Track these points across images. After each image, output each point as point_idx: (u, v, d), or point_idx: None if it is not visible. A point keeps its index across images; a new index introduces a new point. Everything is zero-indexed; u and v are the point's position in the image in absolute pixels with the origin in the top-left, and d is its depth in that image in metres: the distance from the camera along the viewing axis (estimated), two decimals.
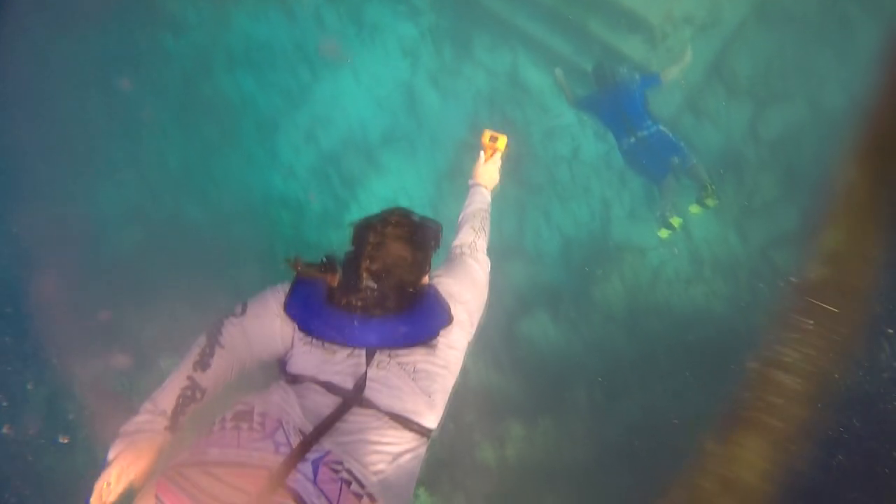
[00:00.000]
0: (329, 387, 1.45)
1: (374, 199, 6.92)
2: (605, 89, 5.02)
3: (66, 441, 4.37)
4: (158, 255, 6.11)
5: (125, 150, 7.51)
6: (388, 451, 1.43)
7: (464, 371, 1.62)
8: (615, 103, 4.93)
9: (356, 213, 6.84)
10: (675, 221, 4.92)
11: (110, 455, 1.37)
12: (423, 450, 1.53)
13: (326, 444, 1.35)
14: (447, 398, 1.58)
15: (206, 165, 7.59)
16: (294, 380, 1.48)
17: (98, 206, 7.05)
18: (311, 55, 7.78)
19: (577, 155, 6.66)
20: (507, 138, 2.20)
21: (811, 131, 6.18)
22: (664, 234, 5.04)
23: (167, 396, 1.44)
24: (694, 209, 4.89)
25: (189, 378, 1.45)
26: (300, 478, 1.26)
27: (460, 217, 2.02)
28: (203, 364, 1.46)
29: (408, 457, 1.47)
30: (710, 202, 4.76)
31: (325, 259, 1.60)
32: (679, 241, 5.91)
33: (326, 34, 7.77)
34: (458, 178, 6.85)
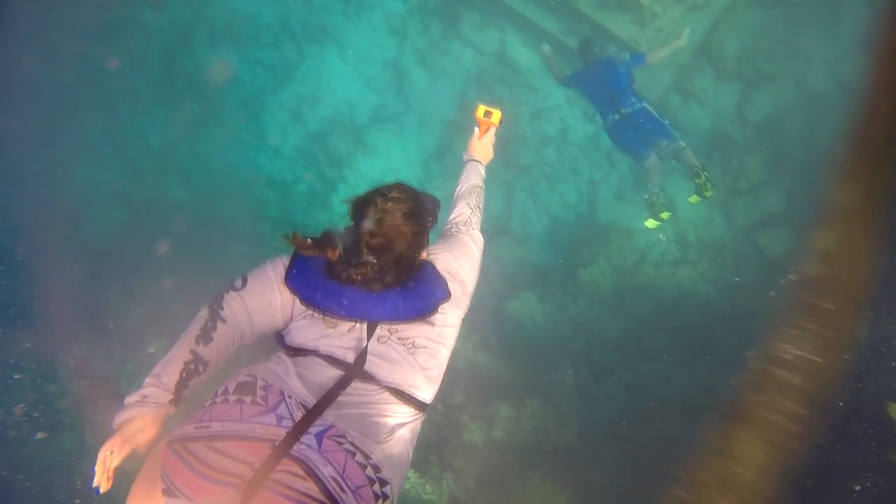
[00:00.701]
0: (331, 360, 1.46)
1: (361, 179, 6.85)
2: (591, 66, 5.05)
3: (43, 436, 4.35)
4: (142, 237, 6.02)
5: (104, 127, 7.34)
6: (389, 424, 1.45)
7: (452, 352, 1.64)
8: (601, 80, 4.96)
9: (344, 194, 6.77)
10: (664, 214, 4.92)
11: (115, 423, 1.40)
12: (419, 422, 1.56)
13: (329, 417, 1.37)
14: (443, 373, 1.60)
15: (189, 144, 7.45)
16: (295, 352, 1.49)
17: (77, 186, 6.90)
18: (296, 32, 7.61)
19: (566, 136, 6.63)
20: (501, 113, 2.22)
21: (797, 113, 6.21)
22: (651, 224, 5.03)
23: (170, 370, 1.45)
24: (693, 199, 4.88)
25: (192, 352, 1.46)
26: (304, 448, 1.28)
27: (456, 193, 2.04)
28: (205, 338, 1.47)
29: (406, 429, 1.50)
30: (709, 192, 4.75)
31: (323, 233, 1.58)
32: (665, 224, 5.94)
33: (312, 9, 7.60)
34: (446, 157, 6.80)
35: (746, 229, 6.01)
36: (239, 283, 1.53)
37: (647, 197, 5.00)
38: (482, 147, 2.18)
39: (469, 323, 1.70)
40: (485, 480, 4.30)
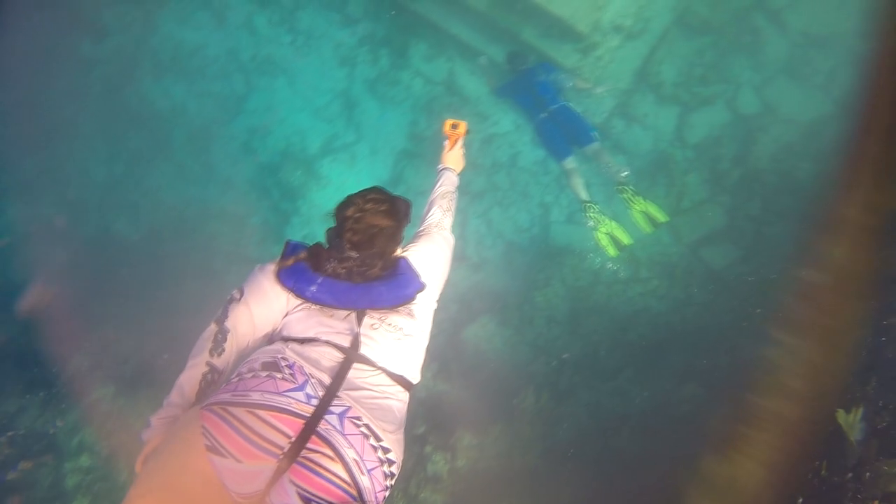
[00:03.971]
0: (331, 345, 1.62)
1: (315, 210, 6.80)
2: (520, 75, 5.62)
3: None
4: (84, 277, 5.79)
5: (39, 163, 7.06)
6: (390, 405, 1.61)
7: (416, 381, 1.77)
8: (528, 85, 5.48)
9: (298, 226, 6.72)
10: (625, 240, 5.18)
11: (145, 437, 1.58)
12: (407, 401, 1.72)
13: (345, 399, 1.52)
14: (424, 354, 1.80)
15: (136, 178, 7.26)
16: (300, 341, 1.63)
17: (5, 225, 6.59)
18: (244, 63, 7.56)
19: (516, 161, 6.80)
20: (466, 123, 2.47)
21: (731, 134, 6.55)
22: (612, 251, 5.27)
23: (191, 385, 1.62)
24: (646, 228, 5.17)
25: (208, 364, 1.63)
26: (330, 429, 1.43)
27: (430, 198, 2.26)
28: (218, 349, 1.64)
29: (400, 406, 1.66)
30: (659, 215, 5.09)
31: (314, 245, 1.80)
32: (627, 251, 6.13)
33: (259, 41, 7.58)
34: (399, 186, 6.85)
35: (692, 245, 6.27)
36: (237, 294, 1.69)
37: (582, 205, 5.25)
38: (453, 157, 2.42)
39: (429, 351, 1.87)
40: None
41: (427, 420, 4.76)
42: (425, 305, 1.84)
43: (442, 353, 5.38)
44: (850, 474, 2.97)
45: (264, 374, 1.49)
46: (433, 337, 1.87)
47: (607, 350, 5.57)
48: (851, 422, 3.79)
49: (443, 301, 1.99)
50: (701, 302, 5.91)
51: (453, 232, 2.17)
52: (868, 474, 2.73)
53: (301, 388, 1.47)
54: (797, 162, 6.18)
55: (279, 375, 1.49)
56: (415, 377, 1.74)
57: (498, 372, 5.44)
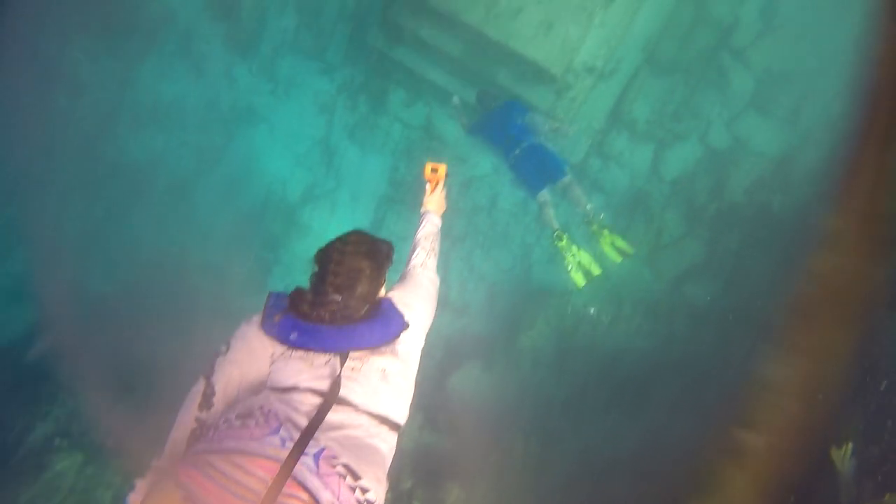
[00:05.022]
0: (312, 390, 1.60)
1: (297, 260, 6.78)
2: (490, 113, 5.69)
3: None
4: (54, 336, 5.64)
5: (7, 219, 6.94)
6: (370, 444, 1.59)
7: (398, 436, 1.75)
8: (499, 123, 5.55)
9: (279, 276, 6.67)
10: (594, 269, 5.21)
11: (130, 501, 1.55)
12: (394, 442, 1.71)
13: (322, 440, 1.49)
14: (411, 394, 1.79)
15: (111, 231, 7.18)
16: (281, 390, 1.61)
17: None
18: (224, 113, 7.61)
19: (496, 203, 6.86)
20: (446, 166, 2.51)
21: (705, 168, 6.69)
22: (580, 281, 5.29)
23: (180, 442, 1.61)
24: (615, 258, 5.22)
25: (197, 420, 1.62)
26: (305, 470, 1.40)
27: (414, 240, 2.31)
28: (207, 404, 1.63)
29: (384, 446, 1.65)
30: (625, 247, 5.15)
31: (294, 290, 1.80)
32: (598, 282, 6.15)
33: (239, 91, 7.65)
34: (380, 232, 6.85)
35: (673, 281, 6.31)
36: (224, 348, 1.69)
37: (553, 234, 5.34)
38: (434, 200, 2.47)
39: (414, 402, 1.84)
40: None
41: (414, 473, 4.65)
42: (410, 345, 1.84)
43: (428, 403, 5.31)
44: None
45: (238, 422, 1.49)
46: (418, 385, 1.86)
47: (594, 391, 5.53)
48: (842, 457, 3.77)
49: (427, 347, 1.97)
50: (685, 337, 5.93)
51: (438, 273, 2.20)
52: None
53: (275, 432, 1.46)
54: (770, 194, 6.31)
55: (253, 423, 1.48)
56: (400, 417, 1.72)
57: (485, 419, 5.36)
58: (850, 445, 3.69)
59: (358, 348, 1.70)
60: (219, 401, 1.63)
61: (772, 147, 6.46)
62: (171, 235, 7.12)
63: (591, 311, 6.03)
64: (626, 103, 6.85)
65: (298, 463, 1.40)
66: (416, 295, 1.99)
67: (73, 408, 4.83)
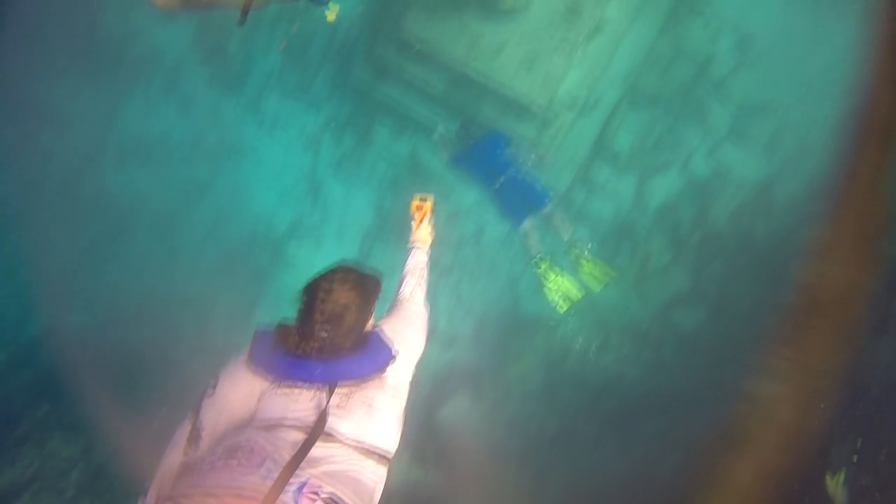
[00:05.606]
0: (297, 425, 1.60)
1: (283, 295, 6.70)
2: (473, 144, 5.72)
3: None
4: (27, 378, 5.47)
5: None
6: (356, 475, 1.58)
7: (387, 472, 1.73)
8: (481, 154, 5.59)
9: (265, 312, 6.59)
10: (575, 294, 5.22)
11: None
12: (384, 472, 1.70)
13: (306, 473, 1.48)
14: (401, 424, 1.80)
15: (92, 268, 7.08)
16: (266, 427, 1.60)
17: None
18: (210, 149, 7.63)
19: (482, 235, 6.88)
20: (433, 198, 2.60)
21: (688, 197, 6.78)
22: (561, 305, 5.29)
23: (165, 484, 1.57)
24: (595, 287, 5.22)
25: (183, 459, 1.59)
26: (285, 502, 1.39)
27: (402, 272, 2.36)
28: (194, 444, 1.61)
29: (372, 478, 1.63)
30: (603, 275, 5.17)
31: (278, 325, 1.83)
32: (585, 311, 6.14)
33: (224, 127, 7.69)
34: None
35: (660, 309, 6.32)
36: (211, 387, 1.69)
37: (533, 260, 5.33)
38: (421, 233, 2.53)
39: (402, 437, 1.81)
40: None
41: None
42: (399, 376, 1.84)
43: (416, 438, 5.20)
44: None
45: (221, 461, 1.47)
46: (406, 420, 1.85)
47: (585, 422, 5.46)
48: (836, 484, 3.73)
49: (414, 380, 1.96)
50: (673, 366, 5.90)
51: (427, 304, 2.22)
52: None
53: (258, 467, 1.45)
54: (752, 221, 6.39)
55: (235, 461, 1.47)
56: (388, 449, 1.72)
57: (475, 453, 5.25)
58: (844, 473, 3.66)
59: (345, 381, 1.70)
60: (206, 440, 1.61)
61: (752, 175, 6.58)
62: (154, 271, 7.04)
63: (579, 342, 6.00)
64: (609, 135, 6.97)
65: (279, 498, 1.39)
66: (405, 326, 2.01)
67: (48, 450, 4.64)
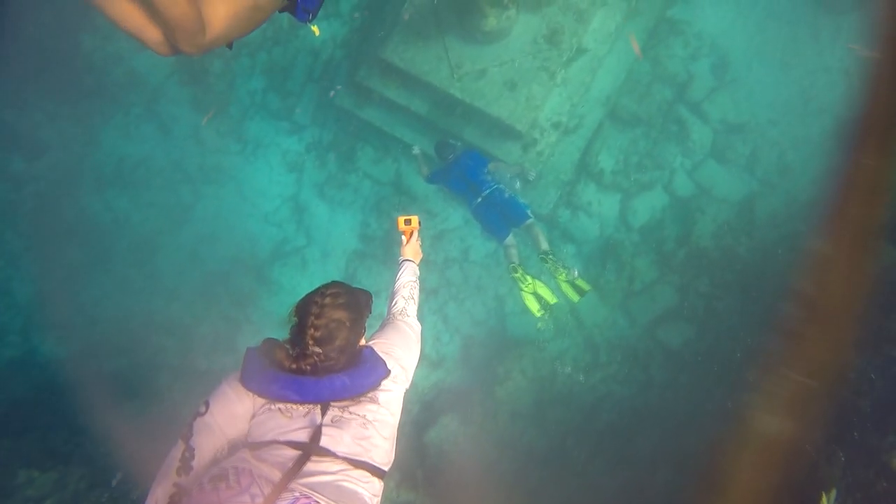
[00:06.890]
0: (290, 443, 1.59)
1: (267, 317, 6.59)
2: (450, 163, 5.77)
3: None
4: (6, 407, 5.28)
5: None
6: (350, 488, 1.58)
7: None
8: (460, 171, 5.64)
9: (249, 335, 6.46)
10: (550, 298, 5.24)
11: None
12: (380, 487, 1.71)
13: (297, 489, 1.48)
14: (394, 440, 1.81)
15: (69, 294, 6.91)
16: (257, 447, 1.60)
17: None
18: (191, 173, 7.56)
19: (467, 255, 6.86)
20: (418, 217, 2.67)
21: (672, 215, 6.84)
22: (535, 309, 5.29)
23: None
24: (573, 296, 5.23)
25: (175, 485, 1.53)
26: None
27: (393, 288, 2.38)
28: (185, 468, 1.56)
29: (366, 494, 1.63)
30: (583, 285, 5.19)
31: (265, 341, 1.81)
32: (573, 331, 6.12)
33: (206, 152, 7.63)
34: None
35: (647, 327, 6.32)
36: (203, 408, 1.65)
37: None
38: (411, 249, 2.60)
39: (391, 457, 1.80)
40: None
41: None
42: (392, 392, 1.85)
43: (405, 460, 5.08)
44: None
45: (210, 486, 1.46)
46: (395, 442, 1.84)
47: (575, 441, 5.39)
48: (827, 503, 3.71)
49: (404, 401, 1.95)
50: (662, 383, 5.87)
51: (419, 319, 2.25)
52: None
53: (245, 491, 1.44)
54: (736, 237, 6.46)
55: (224, 485, 1.45)
56: (383, 464, 1.72)
57: (464, 474, 5.14)
58: (834, 492, 3.65)
59: (339, 398, 1.70)
60: (198, 463, 1.57)
61: (733, 193, 6.68)
62: (134, 296, 6.89)
63: (567, 362, 5.95)
64: (592, 156, 7.05)
65: None
66: (397, 342, 2.03)
67: (20, 482, 4.44)
